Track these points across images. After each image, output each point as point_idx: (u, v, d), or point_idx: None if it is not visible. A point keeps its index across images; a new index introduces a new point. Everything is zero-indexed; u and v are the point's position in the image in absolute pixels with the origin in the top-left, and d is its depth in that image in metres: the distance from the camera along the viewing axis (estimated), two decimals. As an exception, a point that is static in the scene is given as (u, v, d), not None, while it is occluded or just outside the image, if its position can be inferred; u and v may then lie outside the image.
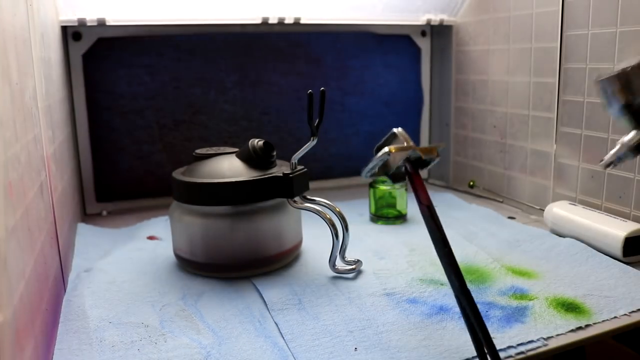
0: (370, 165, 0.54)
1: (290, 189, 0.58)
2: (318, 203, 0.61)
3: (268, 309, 0.52)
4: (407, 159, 0.53)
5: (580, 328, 0.47)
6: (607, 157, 0.47)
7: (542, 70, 0.77)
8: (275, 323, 0.50)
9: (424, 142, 1.08)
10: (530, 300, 0.52)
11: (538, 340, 0.45)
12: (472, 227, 0.74)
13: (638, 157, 0.63)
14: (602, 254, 0.62)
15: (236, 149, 0.64)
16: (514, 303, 0.52)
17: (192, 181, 0.59)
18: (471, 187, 0.95)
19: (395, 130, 0.58)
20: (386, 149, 0.53)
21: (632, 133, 0.45)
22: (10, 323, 0.32)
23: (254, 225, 0.59)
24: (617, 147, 0.46)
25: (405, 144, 0.55)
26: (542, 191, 0.80)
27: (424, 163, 0.55)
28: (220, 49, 0.91)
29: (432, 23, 0.98)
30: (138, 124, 0.89)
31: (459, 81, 0.98)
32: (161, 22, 0.84)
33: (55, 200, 0.56)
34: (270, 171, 0.60)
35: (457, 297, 0.43)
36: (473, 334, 0.41)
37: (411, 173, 0.52)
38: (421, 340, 0.46)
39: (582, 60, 0.70)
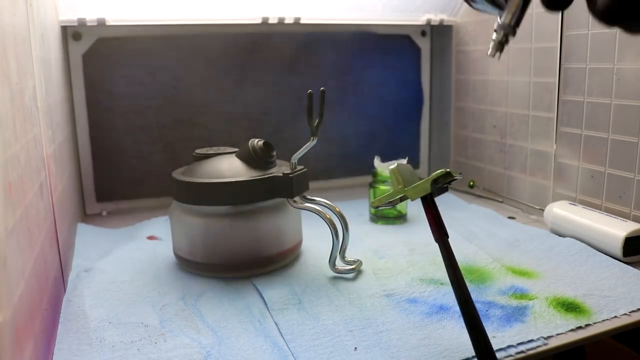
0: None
1: (290, 189, 0.58)
2: (318, 203, 0.61)
3: (268, 309, 0.52)
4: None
5: (580, 328, 0.47)
6: (491, 47, 0.47)
7: (542, 70, 0.77)
8: (275, 323, 0.50)
9: (424, 142, 1.08)
10: (530, 299, 0.52)
11: (538, 339, 0.45)
12: (472, 227, 0.74)
13: (636, 154, 0.64)
14: (602, 254, 0.62)
15: (236, 149, 0.64)
16: (514, 303, 0.52)
17: (192, 181, 0.59)
18: (471, 187, 0.95)
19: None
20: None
21: (503, 14, 0.46)
22: (10, 323, 0.32)
23: (254, 225, 0.59)
24: (495, 34, 0.47)
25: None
26: (542, 191, 0.80)
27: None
28: (220, 49, 0.91)
29: (432, 23, 0.98)
30: (138, 124, 0.89)
31: (459, 81, 0.98)
32: (161, 22, 0.84)
33: (55, 200, 0.56)
34: (270, 171, 0.60)
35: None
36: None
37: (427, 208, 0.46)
38: (421, 339, 0.46)
39: (582, 60, 0.70)
